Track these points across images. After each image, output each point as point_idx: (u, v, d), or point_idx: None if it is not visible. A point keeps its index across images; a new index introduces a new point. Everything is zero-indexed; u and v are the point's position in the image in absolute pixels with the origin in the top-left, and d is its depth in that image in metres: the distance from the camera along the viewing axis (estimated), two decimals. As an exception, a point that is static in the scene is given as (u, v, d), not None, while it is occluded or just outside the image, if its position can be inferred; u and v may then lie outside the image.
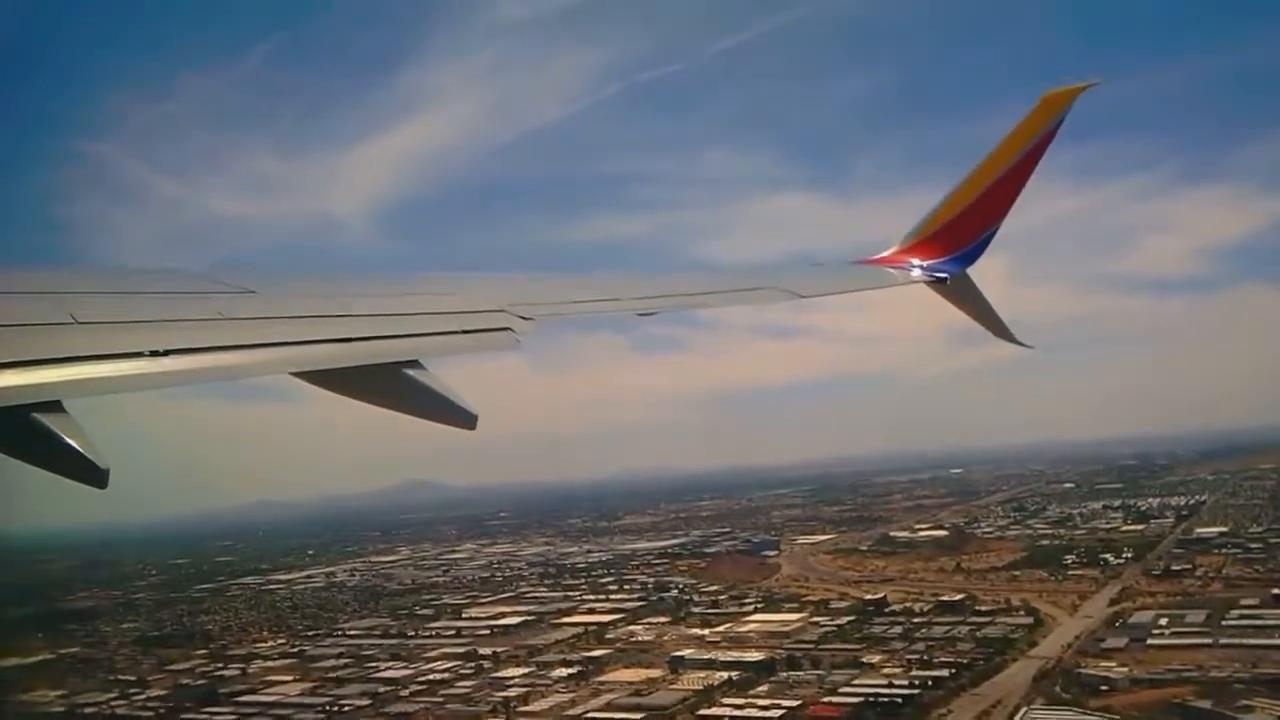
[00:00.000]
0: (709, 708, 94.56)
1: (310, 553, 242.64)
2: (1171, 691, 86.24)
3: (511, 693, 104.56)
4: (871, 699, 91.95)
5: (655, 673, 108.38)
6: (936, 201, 15.13)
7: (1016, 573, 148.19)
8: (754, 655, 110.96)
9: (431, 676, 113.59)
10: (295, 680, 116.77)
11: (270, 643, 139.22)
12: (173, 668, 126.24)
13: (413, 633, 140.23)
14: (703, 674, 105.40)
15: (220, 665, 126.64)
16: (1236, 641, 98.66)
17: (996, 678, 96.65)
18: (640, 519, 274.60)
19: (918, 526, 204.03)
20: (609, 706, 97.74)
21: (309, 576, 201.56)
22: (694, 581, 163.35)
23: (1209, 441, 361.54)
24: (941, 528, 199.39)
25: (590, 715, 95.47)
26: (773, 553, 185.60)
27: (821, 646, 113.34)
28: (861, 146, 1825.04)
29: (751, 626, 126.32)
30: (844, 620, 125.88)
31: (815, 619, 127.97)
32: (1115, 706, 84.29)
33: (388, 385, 6.91)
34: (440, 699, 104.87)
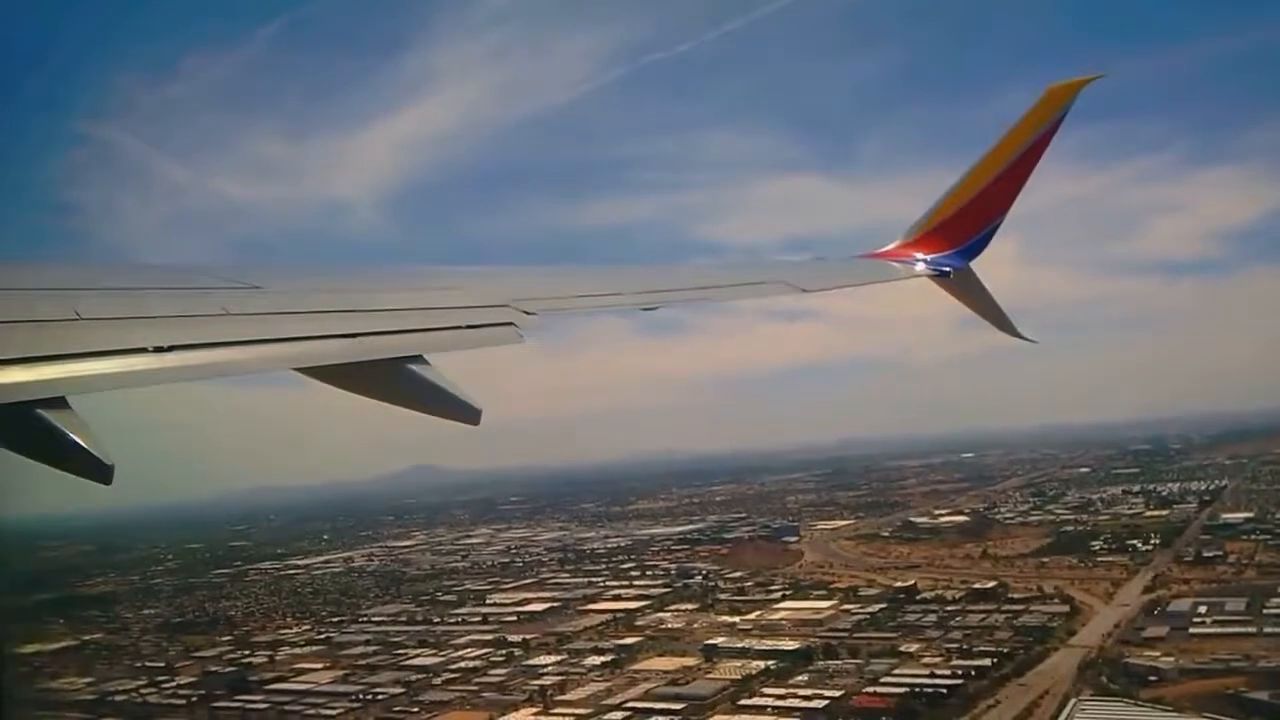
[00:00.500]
0: (749, 697, 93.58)
1: (325, 537, 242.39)
2: (1222, 682, 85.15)
3: (546, 681, 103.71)
4: (916, 689, 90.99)
5: (689, 661, 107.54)
6: (943, 187, 15.16)
7: (1044, 559, 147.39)
8: (789, 644, 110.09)
9: (463, 664, 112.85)
10: (325, 668, 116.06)
11: (295, 629, 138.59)
12: (199, 654, 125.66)
13: (438, 619, 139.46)
14: (738, 663, 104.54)
15: (247, 652, 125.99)
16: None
17: (1040, 667, 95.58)
18: (653, 504, 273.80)
19: (937, 512, 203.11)
20: (647, 696, 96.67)
21: (327, 561, 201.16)
22: (717, 568, 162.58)
23: (1219, 425, 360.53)
24: (962, 513, 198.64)
25: (630, 704, 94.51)
26: (793, 539, 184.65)
27: (856, 635, 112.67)
28: (868, 128, 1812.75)
29: (783, 614, 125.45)
30: (876, 608, 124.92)
31: (846, 606, 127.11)
32: (1167, 698, 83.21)
33: (391, 381, 6.87)
34: (475, 687, 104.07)
